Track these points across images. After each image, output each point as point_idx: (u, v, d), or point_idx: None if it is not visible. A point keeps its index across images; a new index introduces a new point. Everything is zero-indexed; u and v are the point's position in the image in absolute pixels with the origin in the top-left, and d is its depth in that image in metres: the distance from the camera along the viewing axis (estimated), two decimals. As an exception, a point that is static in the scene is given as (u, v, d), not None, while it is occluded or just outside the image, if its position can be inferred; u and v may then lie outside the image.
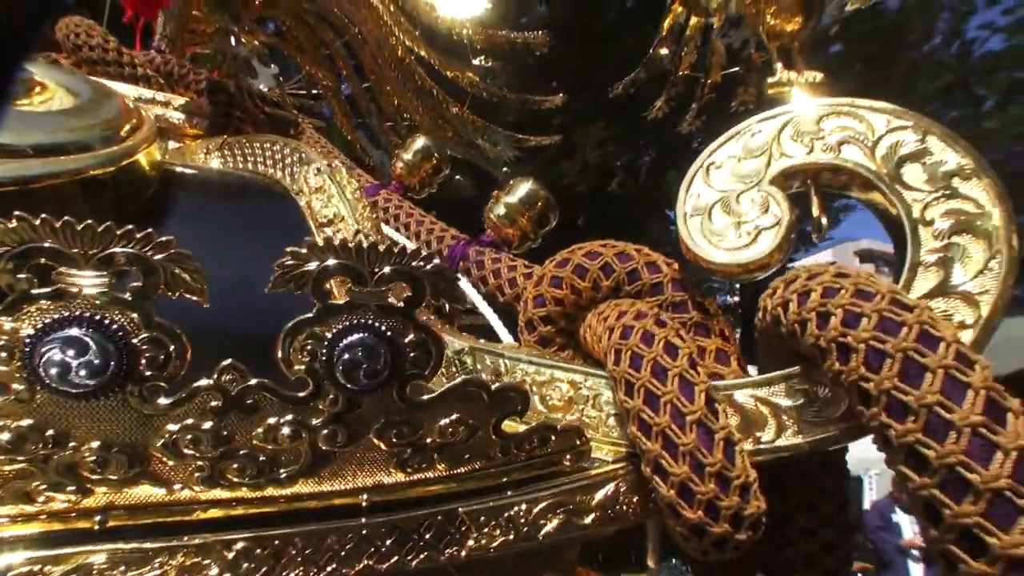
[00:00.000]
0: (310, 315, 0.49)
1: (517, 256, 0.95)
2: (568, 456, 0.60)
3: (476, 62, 1.54)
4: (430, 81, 1.74)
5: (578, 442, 0.60)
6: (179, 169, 1.10)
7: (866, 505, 6.77)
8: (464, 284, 0.96)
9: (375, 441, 0.54)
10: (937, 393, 0.41)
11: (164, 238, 0.47)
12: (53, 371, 0.44)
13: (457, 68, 1.57)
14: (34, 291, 0.44)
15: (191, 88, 1.37)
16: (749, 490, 0.52)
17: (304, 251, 0.49)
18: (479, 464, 0.58)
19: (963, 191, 0.56)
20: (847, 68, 8.29)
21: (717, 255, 0.64)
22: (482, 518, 0.57)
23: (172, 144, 1.28)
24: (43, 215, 0.43)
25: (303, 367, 0.50)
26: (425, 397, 0.53)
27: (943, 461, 0.39)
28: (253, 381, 0.49)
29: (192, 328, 0.49)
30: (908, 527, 5.48)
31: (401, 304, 0.50)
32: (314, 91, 1.96)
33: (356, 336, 0.49)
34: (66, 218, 0.44)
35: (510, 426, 0.58)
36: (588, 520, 0.59)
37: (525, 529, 0.58)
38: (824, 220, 0.65)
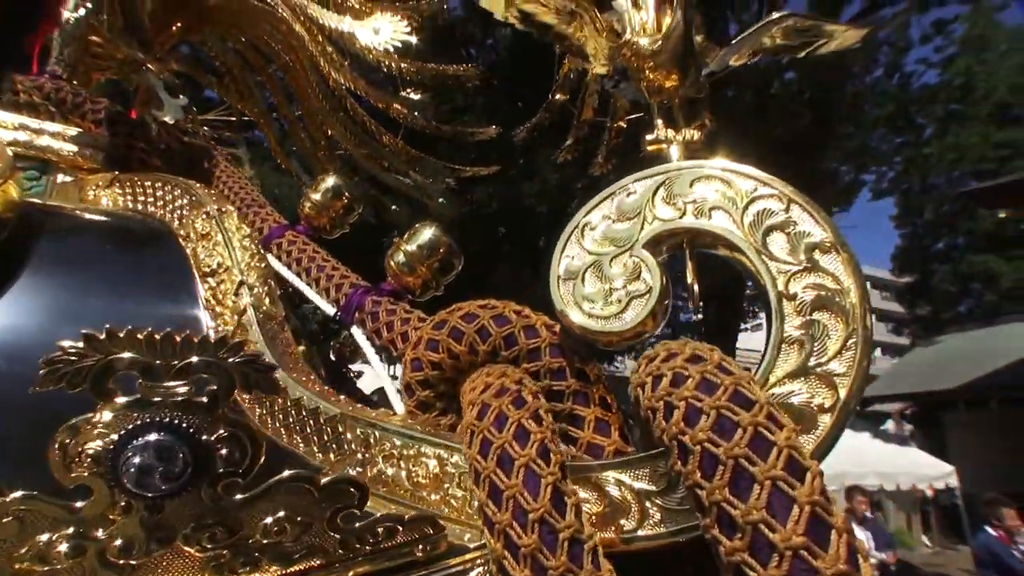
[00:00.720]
0: (90, 415, 0.43)
1: (415, 305, 0.90)
2: (421, 547, 0.55)
3: (404, 94, 1.50)
4: (361, 111, 1.70)
5: (431, 531, 0.55)
6: (44, 210, 1.01)
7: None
8: (359, 337, 0.91)
9: (184, 548, 0.48)
10: (763, 509, 0.38)
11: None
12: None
13: (384, 99, 1.53)
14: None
15: (87, 118, 1.28)
16: None
17: (82, 345, 0.43)
18: (317, 561, 0.52)
19: (823, 265, 0.55)
20: (799, 95, 8.67)
21: (589, 323, 0.61)
22: (320, 623, 0.51)
23: (62, 178, 1.19)
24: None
25: (84, 473, 0.44)
26: (241, 496, 0.48)
27: None
28: (17, 494, 0.42)
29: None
30: (865, 543, 5.60)
31: (205, 399, 0.45)
32: (241, 118, 1.89)
33: (148, 437, 0.44)
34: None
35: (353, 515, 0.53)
36: (442, 617, 0.54)
37: (370, 633, 0.52)
38: (696, 288, 0.62)
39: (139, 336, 0.43)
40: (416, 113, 1.51)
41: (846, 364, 0.51)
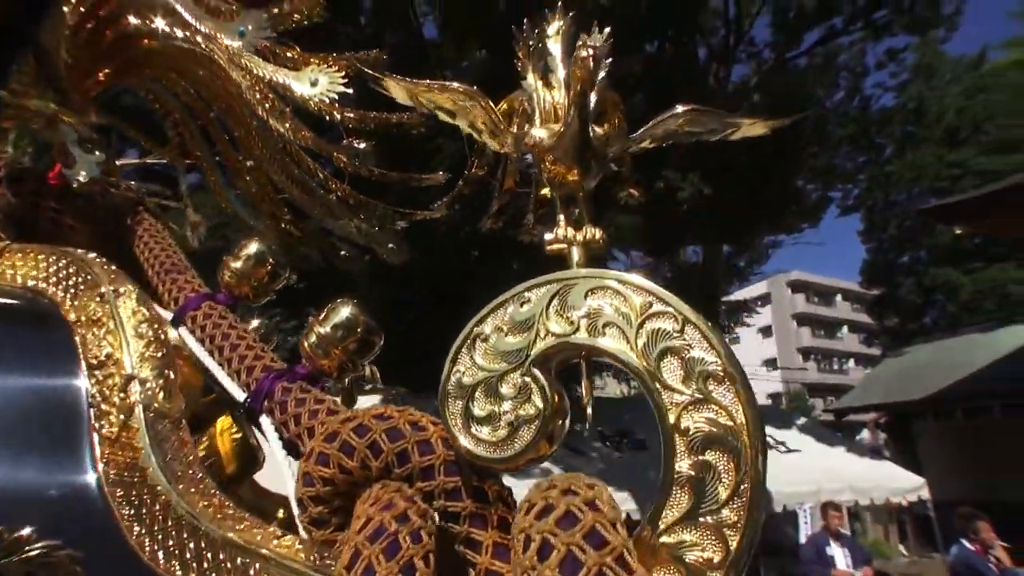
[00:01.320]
0: None
1: (325, 399, 0.85)
2: None
3: (349, 141, 1.46)
4: (306, 157, 1.66)
5: None
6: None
7: (802, 539, 6.93)
8: (268, 428, 0.86)
9: None
10: None
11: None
12: None
13: (326, 148, 1.49)
14: None
15: (-17, 174, 1.20)
16: None
17: None
18: None
19: (716, 396, 0.52)
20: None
21: (478, 450, 0.57)
22: None
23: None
24: None
25: None
26: None
27: None
28: None
29: None
30: (842, 559, 5.63)
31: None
32: (183, 163, 1.83)
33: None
34: None
35: None
36: None
37: None
38: (589, 410, 0.59)
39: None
40: (357, 162, 1.47)
41: (737, 513, 0.48)
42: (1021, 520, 5.84)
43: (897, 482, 8.26)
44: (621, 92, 0.76)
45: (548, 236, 0.67)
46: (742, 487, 0.48)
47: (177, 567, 0.64)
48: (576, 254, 0.66)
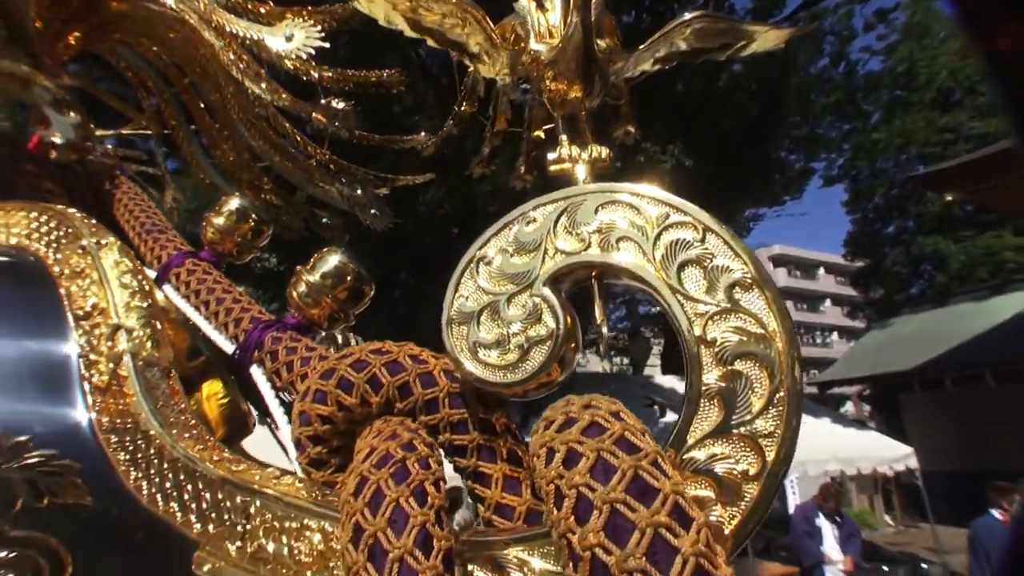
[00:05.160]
0: None
1: (316, 347, 0.82)
2: (293, 648, 0.47)
3: (324, 102, 1.40)
4: (284, 122, 1.59)
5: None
6: None
7: (790, 509, 7.00)
8: (258, 377, 0.82)
9: None
10: (641, 557, 0.34)
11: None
12: None
13: (305, 108, 1.43)
14: None
15: (-37, 140, 1.15)
16: None
17: None
18: None
19: (745, 304, 0.49)
20: (744, 88, 8.83)
21: (485, 374, 0.54)
22: None
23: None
24: None
25: None
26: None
27: None
28: None
29: None
30: (830, 533, 5.66)
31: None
32: (158, 133, 1.76)
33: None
34: None
35: None
36: None
37: None
38: (605, 330, 0.56)
39: None
40: (338, 123, 1.42)
41: (773, 423, 0.45)
42: (1011, 489, 5.90)
43: (883, 451, 8.39)
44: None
45: (551, 156, 0.64)
46: (777, 396, 0.46)
47: (176, 508, 0.61)
48: (582, 173, 0.62)
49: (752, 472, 0.44)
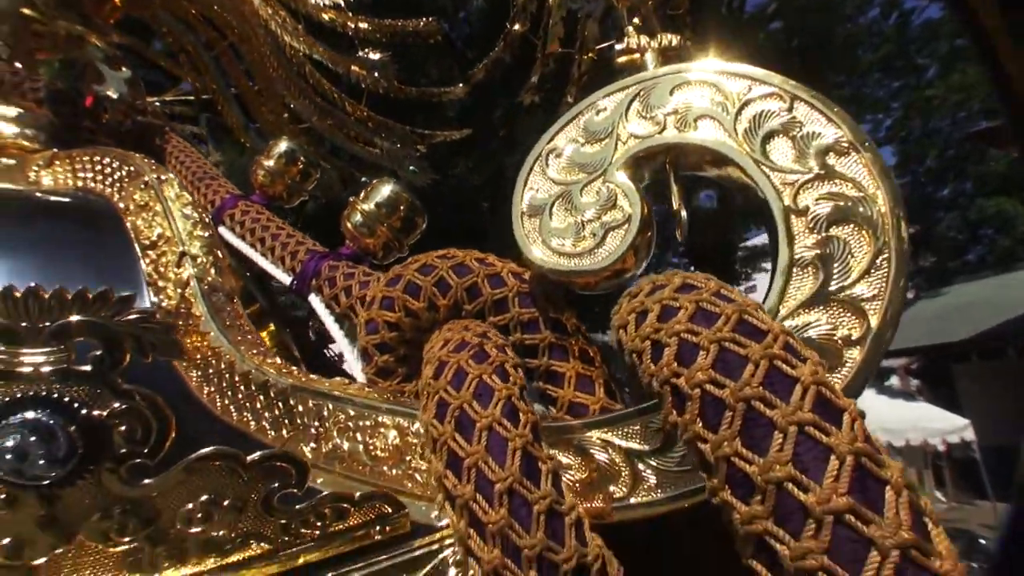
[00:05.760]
0: (-54, 392, 0.36)
1: (375, 272, 0.82)
2: (378, 528, 0.48)
3: (362, 54, 1.39)
4: (322, 79, 1.59)
5: (389, 510, 0.48)
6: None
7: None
8: (317, 306, 0.83)
9: (91, 543, 0.41)
10: (788, 463, 0.30)
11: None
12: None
13: (342, 61, 1.42)
14: None
15: (28, 98, 1.19)
16: (588, 572, 0.40)
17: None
18: (257, 549, 0.45)
19: (840, 170, 0.46)
20: (786, 44, 8.36)
21: (559, 262, 0.53)
22: (264, 620, 0.44)
23: (5, 161, 1.11)
24: None
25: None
26: (151, 481, 0.40)
27: (800, 565, 0.28)
28: None
29: None
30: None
31: (88, 367, 0.37)
32: (199, 97, 1.79)
33: (20, 415, 0.36)
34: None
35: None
36: (408, 605, 0.47)
37: (325, 626, 0.45)
38: (684, 214, 0.54)
39: (-5, 294, 0.35)
40: (376, 74, 1.40)
41: (877, 285, 0.42)
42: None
43: (934, 423, 8.03)
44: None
45: (618, 47, 0.60)
46: (880, 258, 0.42)
47: (250, 418, 0.62)
48: (651, 61, 0.59)
49: (855, 336, 0.41)
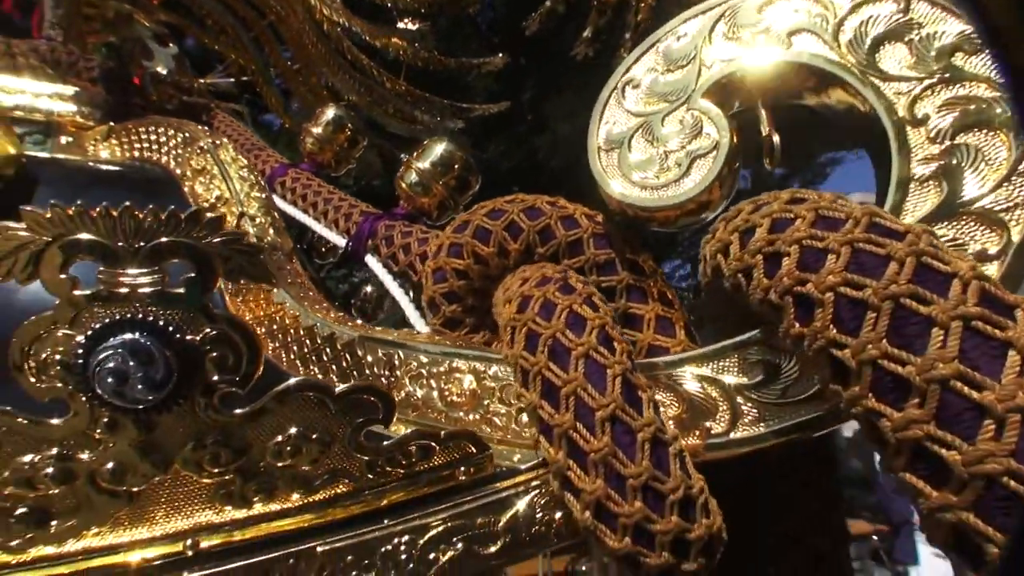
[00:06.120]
0: (50, 313, 0.36)
1: (432, 228, 0.81)
2: (463, 468, 0.46)
3: (402, 25, 1.38)
4: (361, 55, 1.59)
5: (474, 450, 0.46)
6: (45, 162, 0.96)
7: (876, 466, 6.65)
8: (374, 265, 0.82)
9: (186, 473, 0.40)
10: (953, 360, 0.27)
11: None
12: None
13: (384, 34, 1.41)
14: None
15: (82, 77, 1.22)
16: (693, 505, 0.38)
17: (24, 225, 0.35)
18: (343, 487, 0.44)
19: (969, 69, 0.42)
20: None
21: (641, 196, 0.50)
22: (349, 557, 0.44)
23: (65, 139, 1.14)
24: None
25: (56, 384, 0.36)
26: (242, 410, 0.40)
27: (978, 469, 0.25)
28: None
29: None
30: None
31: (182, 289, 0.37)
32: (238, 78, 1.81)
33: (119, 337, 0.36)
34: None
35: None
36: (495, 548, 0.46)
37: (410, 567, 0.44)
38: (776, 139, 0.50)
39: (94, 213, 0.35)
40: (416, 44, 1.39)
41: (1018, 192, 0.38)
42: None
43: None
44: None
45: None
46: (1022, 164, 0.38)
47: (317, 372, 0.62)
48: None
49: (992, 250, 0.38)
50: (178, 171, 0.89)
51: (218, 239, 0.36)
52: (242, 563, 0.42)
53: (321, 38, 1.57)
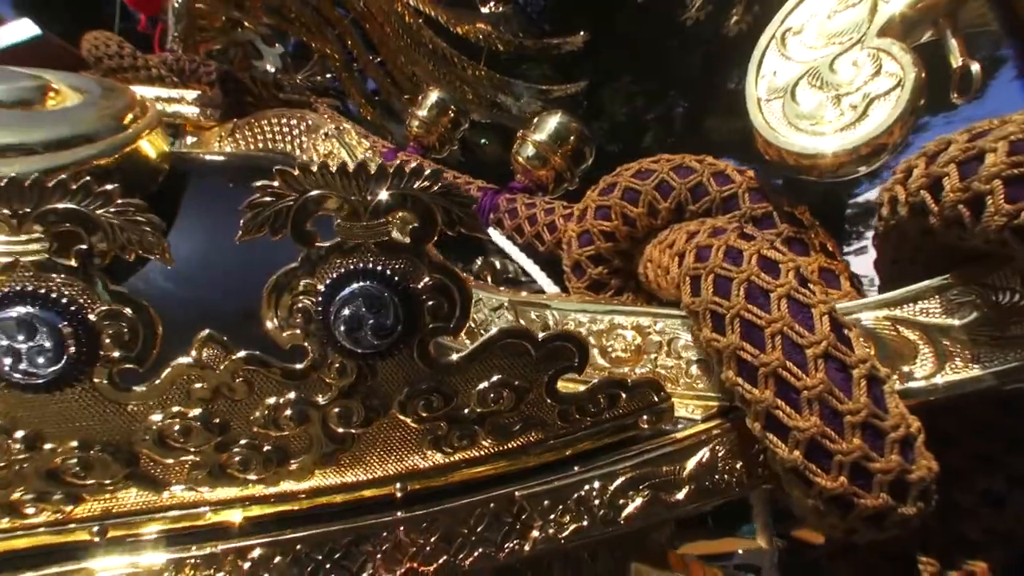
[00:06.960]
0: (294, 264, 0.39)
1: (554, 200, 0.82)
2: (646, 417, 0.48)
3: (486, 10, 1.40)
4: (441, 43, 1.62)
5: (656, 398, 0.47)
6: (189, 157, 1.05)
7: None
8: (498, 238, 0.85)
9: (400, 417, 0.44)
10: None
11: (107, 187, 0.38)
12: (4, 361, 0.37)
13: (466, 21, 1.44)
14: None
15: (203, 81, 1.32)
16: (912, 445, 0.37)
17: (278, 184, 0.39)
18: (535, 436, 0.47)
19: None
20: None
21: (812, 142, 0.49)
22: (546, 502, 0.46)
23: (190, 139, 1.25)
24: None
25: (297, 332, 0.40)
26: (454, 357, 0.43)
27: None
28: (241, 353, 0.40)
29: (198, 316, 0.41)
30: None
31: (407, 239, 0.39)
32: (330, 75, 1.89)
33: (355, 285, 0.39)
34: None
35: (567, 386, 0.46)
36: (680, 496, 0.47)
37: (602, 512, 0.46)
38: (975, 67, 0.47)
39: (331, 169, 0.38)
40: (502, 27, 1.41)
41: None
42: None
43: None
44: None
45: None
46: None
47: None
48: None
49: None
50: (303, 157, 0.95)
51: (438, 190, 0.38)
52: (448, 505, 0.45)
53: (404, 28, 1.62)
